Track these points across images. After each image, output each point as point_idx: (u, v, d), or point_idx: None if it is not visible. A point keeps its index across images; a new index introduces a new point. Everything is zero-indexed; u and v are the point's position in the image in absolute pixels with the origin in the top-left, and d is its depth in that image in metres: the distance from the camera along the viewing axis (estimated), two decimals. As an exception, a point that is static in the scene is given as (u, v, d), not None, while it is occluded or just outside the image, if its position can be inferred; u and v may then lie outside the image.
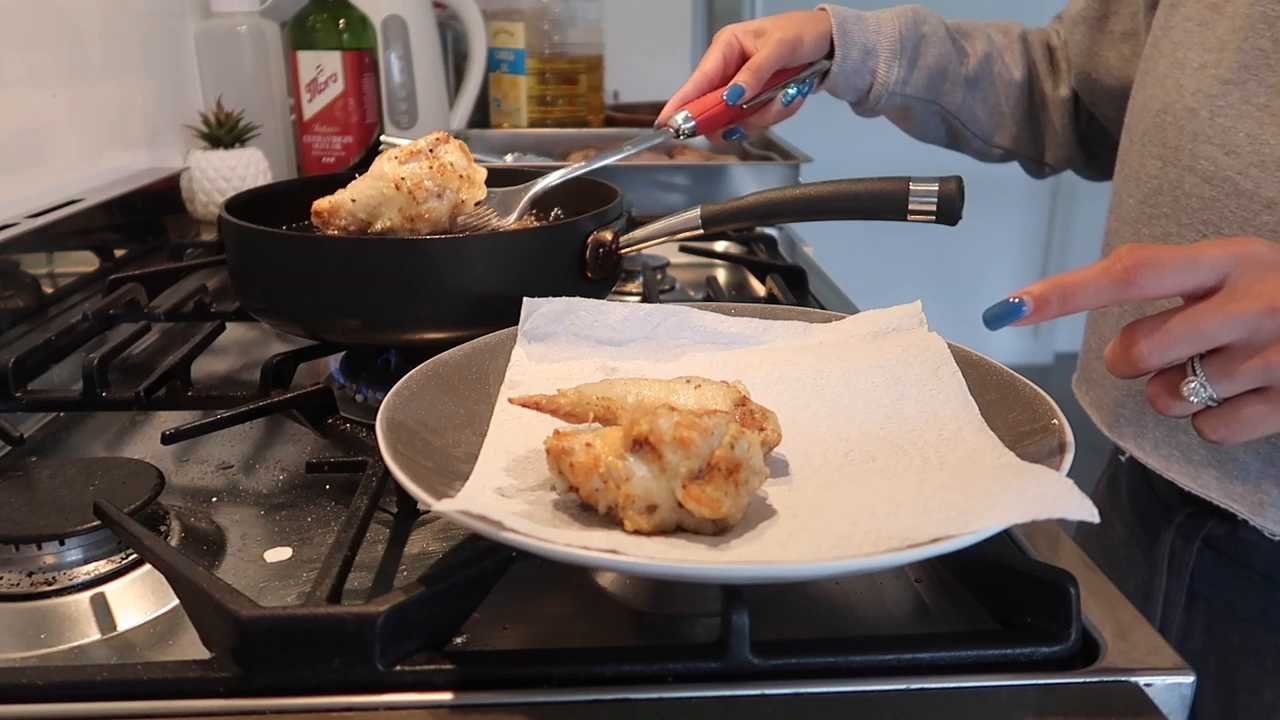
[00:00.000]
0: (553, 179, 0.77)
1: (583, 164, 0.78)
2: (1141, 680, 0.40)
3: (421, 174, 0.67)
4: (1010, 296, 0.47)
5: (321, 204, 0.69)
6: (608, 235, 0.69)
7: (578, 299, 0.62)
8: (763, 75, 0.77)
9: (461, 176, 0.69)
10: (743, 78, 0.77)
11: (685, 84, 0.79)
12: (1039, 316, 0.47)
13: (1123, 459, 0.70)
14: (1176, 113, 0.63)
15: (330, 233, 0.68)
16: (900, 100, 0.84)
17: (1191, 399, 0.46)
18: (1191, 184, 0.62)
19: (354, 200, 0.68)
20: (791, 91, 0.80)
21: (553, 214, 0.83)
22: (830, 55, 0.81)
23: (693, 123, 0.77)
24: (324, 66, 1.25)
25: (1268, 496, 0.60)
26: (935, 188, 0.61)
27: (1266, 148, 0.58)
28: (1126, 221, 0.69)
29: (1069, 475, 0.42)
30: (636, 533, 0.42)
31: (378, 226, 0.68)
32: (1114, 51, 0.81)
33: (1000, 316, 0.47)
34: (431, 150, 0.69)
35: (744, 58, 0.80)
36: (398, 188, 0.67)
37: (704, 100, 0.78)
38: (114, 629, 0.45)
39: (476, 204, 0.70)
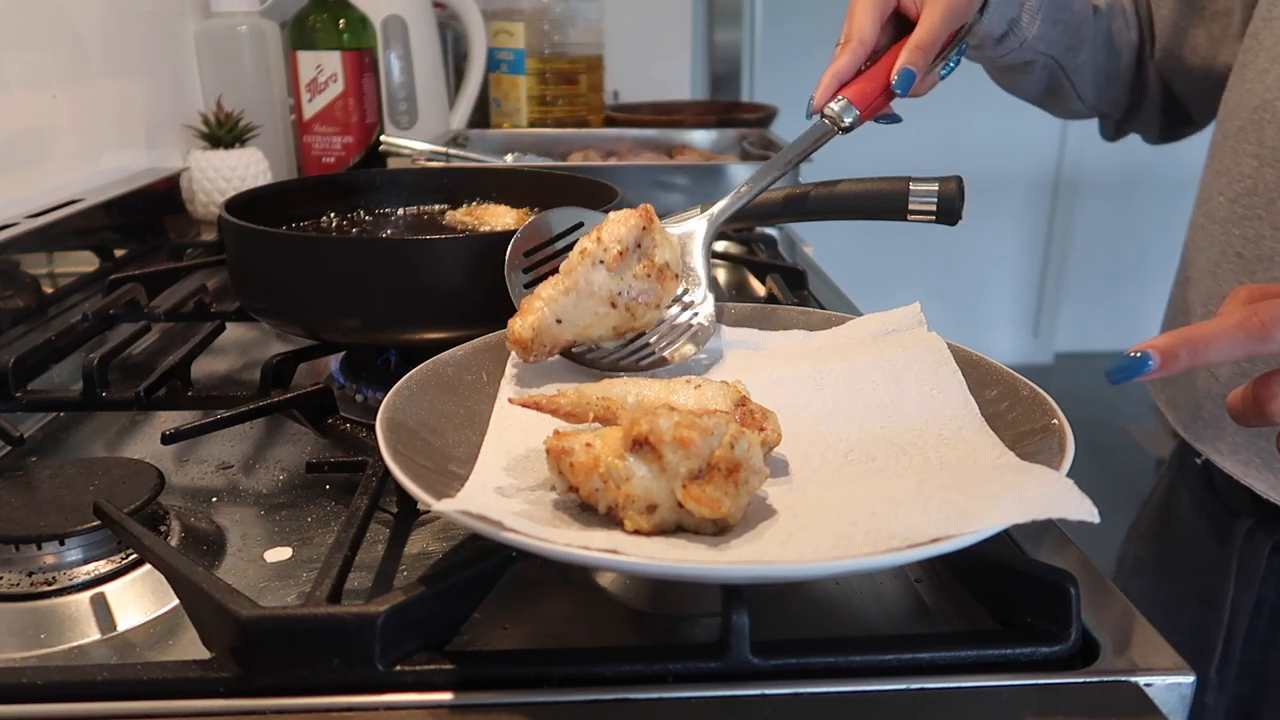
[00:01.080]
0: (726, 204, 0.65)
1: (745, 190, 0.67)
2: (1141, 680, 0.40)
3: (638, 286, 0.56)
4: (1133, 350, 0.45)
5: (523, 332, 0.55)
6: (608, 235, 0.68)
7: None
8: (933, 53, 0.65)
9: (676, 276, 0.58)
10: (911, 60, 0.64)
11: (840, 54, 0.66)
12: (1166, 370, 0.44)
13: (1198, 461, 0.69)
14: (1277, 110, 0.61)
15: (530, 359, 0.57)
16: (1030, 55, 0.75)
17: None
18: None
19: (559, 321, 0.56)
20: (952, 62, 0.69)
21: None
22: (981, 9, 0.70)
23: (856, 113, 0.64)
24: (324, 66, 1.25)
25: None
26: (935, 188, 0.61)
27: None
28: (1216, 220, 0.66)
29: (1068, 475, 0.42)
30: (636, 533, 0.42)
31: (581, 343, 0.58)
32: (1203, 30, 0.77)
33: (1124, 370, 0.45)
34: (639, 245, 0.56)
35: (896, 13, 0.67)
36: (613, 305, 0.56)
37: (865, 90, 0.65)
38: (114, 629, 0.45)
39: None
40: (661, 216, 0.68)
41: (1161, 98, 0.84)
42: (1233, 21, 0.75)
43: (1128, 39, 0.81)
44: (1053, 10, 0.74)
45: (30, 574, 0.47)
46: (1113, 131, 0.90)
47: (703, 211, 0.66)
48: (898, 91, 0.65)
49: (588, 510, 0.44)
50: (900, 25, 0.67)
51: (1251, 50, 0.65)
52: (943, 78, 0.69)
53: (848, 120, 0.64)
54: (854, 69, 0.66)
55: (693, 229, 0.65)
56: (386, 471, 0.45)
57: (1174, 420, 0.70)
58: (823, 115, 0.65)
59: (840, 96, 0.65)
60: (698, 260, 0.64)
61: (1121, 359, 0.45)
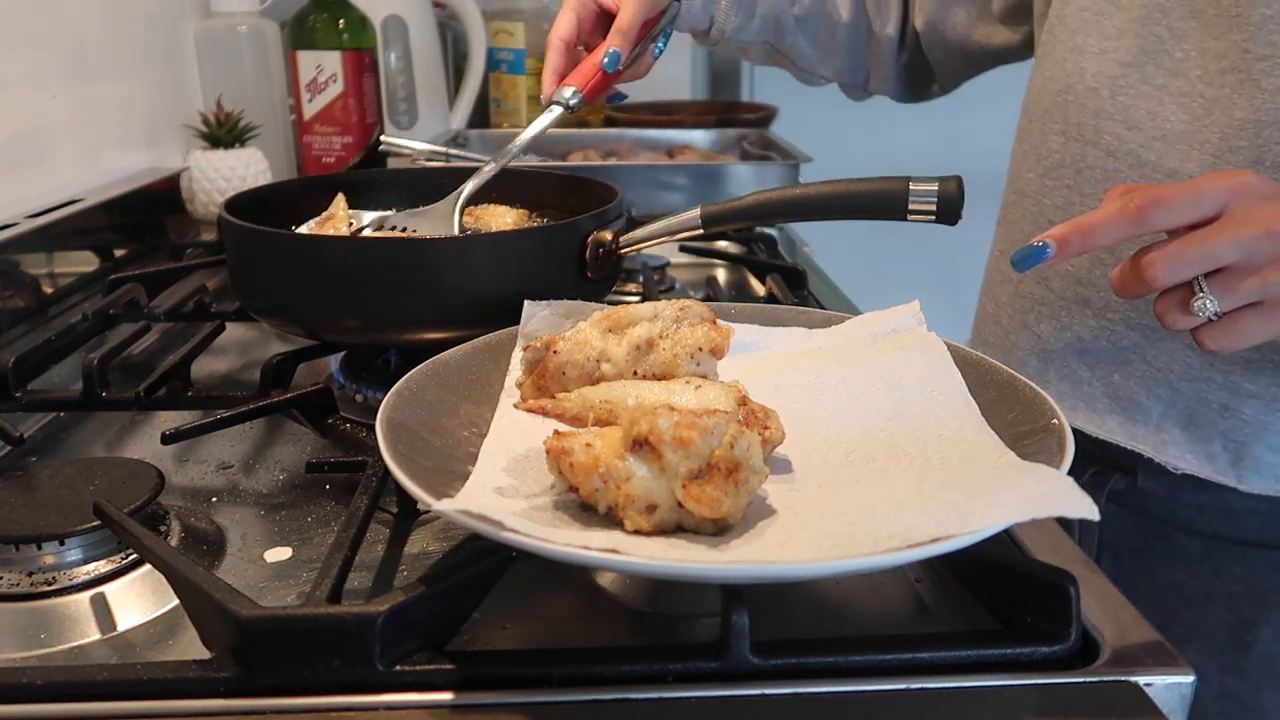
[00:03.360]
0: (476, 182, 0.77)
1: (493, 162, 0.78)
2: (1141, 680, 0.40)
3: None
4: (1035, 240, 0.52)
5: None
6: (607, 235, 0.69)
7: (579, 302, 0.62)
8: (632, 35, 0.78)
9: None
10: (614, 42, 0.77)
11: (549, 54, 0.79)
12: (1062, 256, 0.52)
13: None
14: (1078, 92, 0.68)
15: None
16: (736, 43, 0.89)
17: (1199, 313, 0.51)
18: (1095, 157, 0.67)
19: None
20: (660, 45, 0.82)
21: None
22: None
23: (578, 96, 0.77)
24: (324, 66, 1.25)
25: (1169, 436, 0.66)
26: (935, 187, 0.61)
27: (1167, 123, 0.63)
28: (1026, 194, 0.74)
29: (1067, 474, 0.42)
30: (636, 533, 0.42)
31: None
32: (963, 11, 0.87)
33: (1027, 258, 0.53)
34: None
35: (601, 12, 0.80)
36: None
37: (582, 72, 0.78)
38: (114, 629, 0.45)
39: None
40: (660, 217, 0.69)
41: (896, 65, 0.94)
42: (990, 7, 0.84)
43: (840, 19, 0.91)
44: (750, 6, 0.87)
45: (30, 574, 0.47)
46: (854, 94, 1.00)
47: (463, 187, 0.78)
48: (607, 69, 0.77)
49: (588, 510, 0.44)
50: (609, 21, 0.80)
51: (1049, 44, 0.72)
52: (655, 57, 0.83)
53: (572, 102, 0.77)
54: (564, 62, 0.79)
55: (446, 214, 0.77)
56: (386, 471, 0.45)
57: None
58: (553, 102, 0.78)
59: (565, 85, 0.78)
60: (454, 218, 0.76)
61: (1024, 249, 0.53)
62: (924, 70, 0.93)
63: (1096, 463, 0.73)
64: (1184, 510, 0.69)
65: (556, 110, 0.77)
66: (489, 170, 0.78)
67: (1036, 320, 0.72)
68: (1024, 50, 0.84)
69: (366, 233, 0.78)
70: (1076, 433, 0.70)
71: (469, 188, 0.77)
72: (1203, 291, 0.51)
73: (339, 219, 0.78)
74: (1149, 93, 0.64)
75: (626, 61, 0.78)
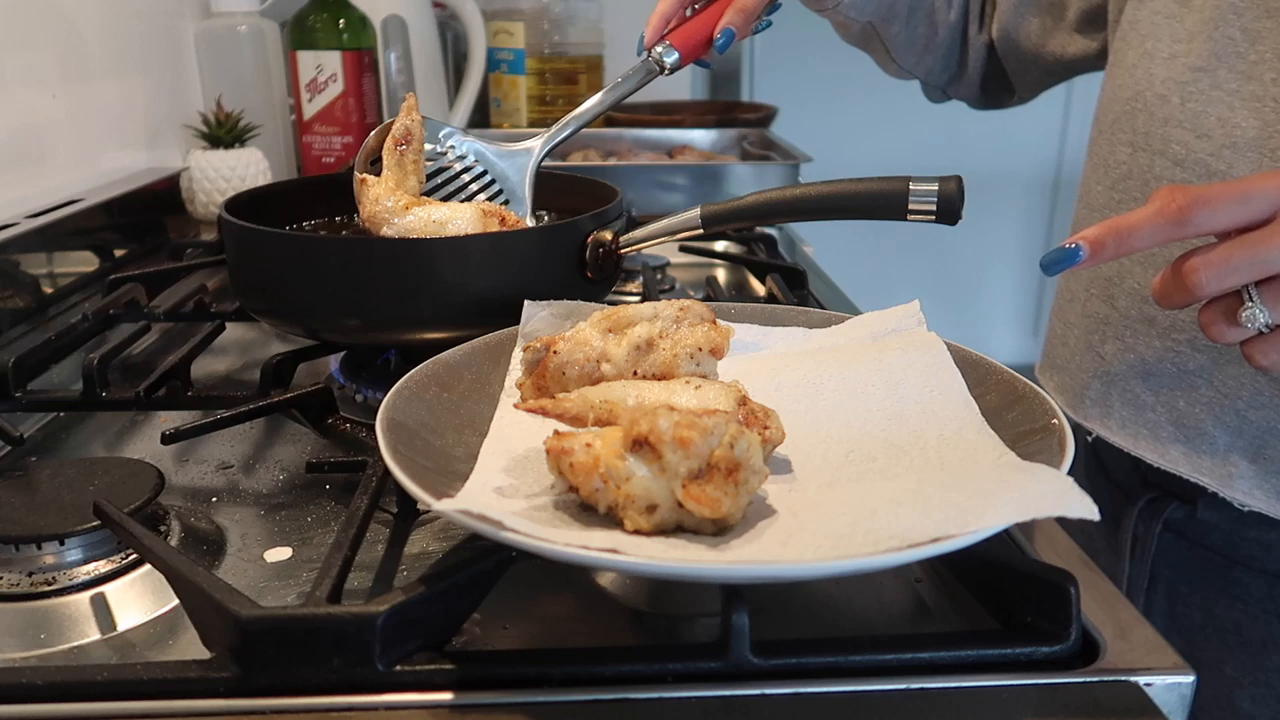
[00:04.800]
0: (553, 138, 0.75)
1: (573, 119, 0.75)
2: (1141, 680, 0.40)
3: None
4: (1066, 242, 0.48)
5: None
6: (607, 235, 0.69)
7: (579, 302, 0.62)
8: (754, 16, 0.74)
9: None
10: (733, 20, 0.73)
11: None
12: (1095, 260, 0.48)
13: (1089, 439, 0.71)
14: (1147, 100, 0.65)
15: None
16: (844, 16, 0.84)
17: (1248, 325, 0.47)
18: (1163, 168, 0.64)
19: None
20: (767, 20, 0.78)
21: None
22: None
23: (676, 55, 0.74)
24: (324, 66, 1.25)
25: (1236, 469, 0.61)
26: (935, 187, 0.61)
27: (1238, 130, 0.59)
28: (1094, 209, 0.70)
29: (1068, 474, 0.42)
30: (636, 533, 0.42)
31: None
32: (1038, 19, 0.84)
33: (1058, 262, 0.49)
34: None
35: None
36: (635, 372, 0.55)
37: (689, 36, 0.74)
38: (114, 629, 0.45)
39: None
40: (660, 217, 0.69)
41: (982, 73, 0.91)
42: (1066, 15, 0.81)
43: (946, 19, 0.87)
44: None
45: (30, 574, 0.47)
46: (933, 95, 0.96)
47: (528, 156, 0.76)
48: (719, 50, 0.74)
49: (588, 510, 0.44)
50: None
51: (1120, 50, 0.69)
52: (756, 32, 0.77)
53: (669, 62, 0.74)
54: (678, 10, 0.74)
55: (528, 152, 0.75)
56: (386, 471, 0.45)
57: (1064, 404, 0.72)
58: (649, 56, 0.74)
59: (666, 41, 0.73)
60: (526, 184, 0.76)
61: (1055, 251, 0.49)
62: (1004, 79, 0.90)
63: (1153, 489, 0.69)
64: (1247, 546, 0.65)
65: (650, 70, 0.73)
66: (567, 127, 0.76)
67: (1101, 341, 0.68)
68: (1101, 60, 0.79)
69: (453, 149, 0.75)
70: (1134, 460, 0.67)
71: (541, 146, 0.76)
72: (1252, 301, 0.47)
73: (418, 140, 0.73)
74: (1220, 98, 0.60)
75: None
